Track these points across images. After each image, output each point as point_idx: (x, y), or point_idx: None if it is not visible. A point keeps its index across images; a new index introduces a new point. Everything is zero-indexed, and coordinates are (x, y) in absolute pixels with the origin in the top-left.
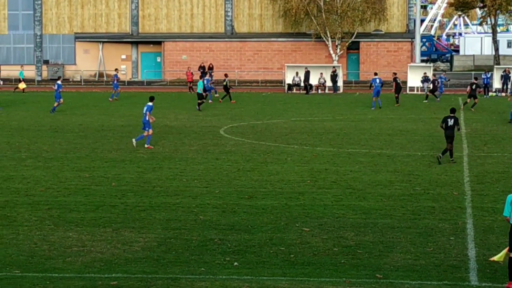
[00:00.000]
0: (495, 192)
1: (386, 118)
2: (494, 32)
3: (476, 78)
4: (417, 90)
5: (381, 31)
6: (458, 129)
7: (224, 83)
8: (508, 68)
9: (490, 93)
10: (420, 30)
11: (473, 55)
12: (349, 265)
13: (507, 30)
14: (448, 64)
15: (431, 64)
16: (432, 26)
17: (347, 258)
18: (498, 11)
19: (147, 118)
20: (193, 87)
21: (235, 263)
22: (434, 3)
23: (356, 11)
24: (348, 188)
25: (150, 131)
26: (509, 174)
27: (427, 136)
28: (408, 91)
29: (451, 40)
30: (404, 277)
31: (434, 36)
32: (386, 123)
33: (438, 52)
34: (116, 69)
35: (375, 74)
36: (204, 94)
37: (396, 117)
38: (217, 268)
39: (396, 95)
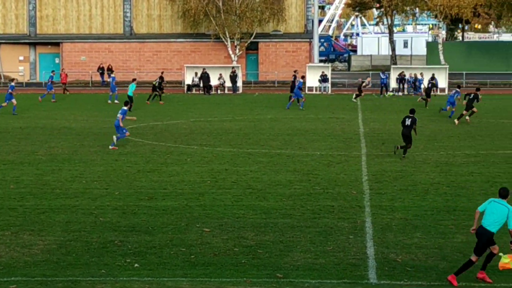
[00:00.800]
0: (393, 191)
1: (285, 118)
2: (391, 32)
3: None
4: (316, 90)
5: (279, 31)
6: (415, 131)
7: (154, 83)
8: (403, 71)
9: (388, 93)
10: (318, 30)
11: (371, 55)
12: (250, 265)
13: (404, 31)
14: (346, 64)
15: (329, 64)
16: (330, 26)
17: (248, 258)
18: (394, 12)
19: (119, 122)
20: (67, 88)
21: (136, 265)
22: (331, 4)
23: (254, 11)
24: (248, 188)
25: (127, 133)
26: (406, 172)
27: (326, 135)
28: (307, 91)
29: (349, 40)
30: (304, 276)
31: (332, 37)
32: (285, 123)
33: (336, 52)
34: (52, 71)
35: (295, 74)
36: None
37: (295, 117)
38: (118, 270)
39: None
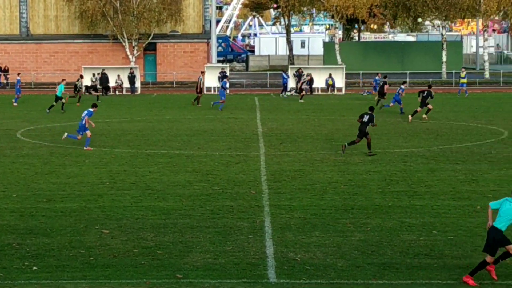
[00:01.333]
0: (292, 190)
1: (184, 118)
2: (288, 33)
3: (385, 76)
4: (214, 91)
5: (177, 32)
6: (373, 125)
7: (77, 83)
8: (301, 67)
9: (287, 93)
10: (216, 31)
11: (268, 55)
12: (149, 266)
13: (301, 31)
14: (244, 64)
15: (228, 65)
16: (227, 27)
17: (147, 259)
18: (291, 12)
19: (83, 122)
20: None
21: (34, 267)
22: (229, 4)
23: (152, 12)
24: (147, 189)
25: (89, 133)
26: (304, 171)
27: (224, 135)
28: (205, 91)
29: (247, 41)
30: (204, 276)
31: (230, 37)
32: (184, 123)
33: (234, 52)
34: (18, 73)
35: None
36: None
37: (194, 118)
38: (16, 273)
39: (200, 95)
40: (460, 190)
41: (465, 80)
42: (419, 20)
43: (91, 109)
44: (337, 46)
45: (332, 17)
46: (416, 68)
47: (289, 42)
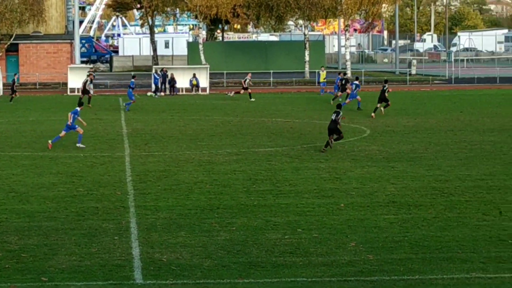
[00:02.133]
0: (157, 191)
1: (47, 120)
2: (152, 33)
3: (344, 73)
4: (77, 92)
5: (40, 32)
6: (339, 124)
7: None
8: (165, 67)
9: (148, 93)
10: (79, 31)
11: (132, 56)
12: (14, 270)
13: (165, 31)
14: (108, 65)
15: (92, 65)
16: (91, 27)
17: (11, 262)
18: (155, 12)
19: (72, 121)
20: None
21: None
22: (92, 5)
23: (14, 12)
24: (11, 191)
25: (63, 133)
26: (170, 172)
27: (89, 137)
28: (69, 93)
29: (111, 41)
30: (70, 279)
31: (93, 37)
32: (48, 125)
33: (98, 53)
34: None
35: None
36: None
37: (58, 119)
38: None
39: (83, 95)
40: (324, 188)
41: (324, 80)
42: (291, 22)
43: (77, 108)
44: (201, 46)
45: (196, 17)
46: (280, 68)
47: (153, 42)
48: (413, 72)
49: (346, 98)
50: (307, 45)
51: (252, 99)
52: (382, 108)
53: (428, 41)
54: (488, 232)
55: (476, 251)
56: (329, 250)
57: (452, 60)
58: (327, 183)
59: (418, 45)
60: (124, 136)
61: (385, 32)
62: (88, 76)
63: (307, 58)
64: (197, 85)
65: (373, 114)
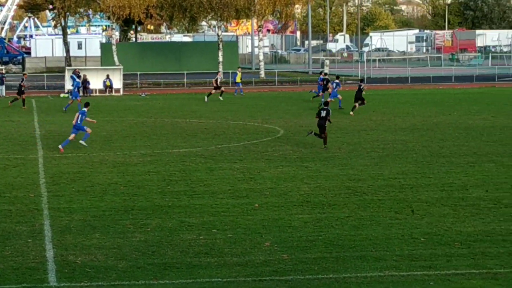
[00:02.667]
0: (71, 192)
1: None
2: (65, 34)
3: (325, 73)
4: None
5: None
6: (329, 121)
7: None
8: (78, 68)
9: (62, 94)
10: None
11: (45, 57)
12: None
13: (77, 32)
14: (21, 66)
15: (3, 67)
16: (2, 28)
17: None
18: (67, 13)
19: (74, 121)
20: None
21: None
22: (3, 6)
23: None
24: None
25: (72, 135)
26: (83, 174)
27: (1, 139)
28: None
29: (23, 42)
30: None
31: (5, 39)
32: None
33: (10, 54)
34: None
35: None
36: None
37: None
38: None
39: (19, 96)
40: (239, 188)
41: (240, 80)
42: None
43: (84, 108)
44: (114, 47)
45: (109, 18)
46: (193, 68)
47: (66, 43)
48: (326, 72)
49: (328, 97)
50: (220, 46)
51: (221, 98)
52: (356, 105)
53: (341, 41)
54: (400, 231)
55: (389, 249)
56: (243, 250)
57: (364, 60)
58: (241, 183)
59: (330, 45)
60: (37, 138)
61: (298, 33)
62: (23, 75)
63: (220, 58)
64: (111, 86)
65: (351, 112)
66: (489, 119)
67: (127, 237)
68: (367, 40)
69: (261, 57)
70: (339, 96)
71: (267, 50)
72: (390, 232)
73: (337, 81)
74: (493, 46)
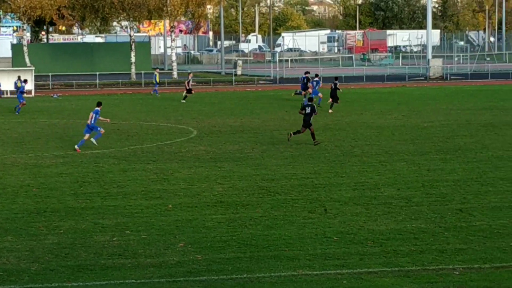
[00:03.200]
0: None
1: None
2: None
3: (307, 72)
4: None
5: None
6: (315, 113)
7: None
8: None
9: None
10: None
11: None
12: None
13: None
14: None
15: None
16: None
17: None
18: None
19: (89, 121)
20: None
21: None
22: None
23: None
24: None
25: (87, 135)
26: None
27: None
28: None
29: None
30: None
31: None
32: None
33: None
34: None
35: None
36: None
37: None
38: None
39: None
40: (152, 189)
41: (158, 81)
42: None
43: (97, 108)
44: (25, 48)
45: (20, 18)
46: (106, 69)
47: None
48: (239, 72)
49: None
50: (132, 47)
51: (183, 101)
52: (331, 100)
53: (253, 42)
54: (314, 230)
55: (303, 249)
56: (157, 251)
57: (277, 60)
58: (155, 184)
59: (243, 46)
60: None
61: (211, 33)
62: None
63: (133, 59)
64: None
65: (330, 110)
66: (400, 118)
67: (40, 240)
68: (279, 41)
69: (174, 58)
70: (319, 94)
71: (179, 50)
72: (304, 232)
73: (316, 79)
74: (404, 46)
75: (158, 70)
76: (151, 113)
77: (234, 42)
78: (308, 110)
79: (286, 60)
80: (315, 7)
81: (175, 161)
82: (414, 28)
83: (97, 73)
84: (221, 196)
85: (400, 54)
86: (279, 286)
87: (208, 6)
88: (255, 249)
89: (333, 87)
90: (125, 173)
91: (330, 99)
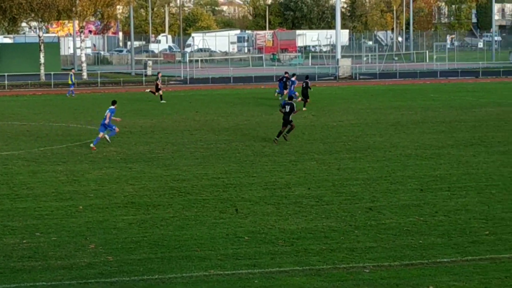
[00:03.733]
0: None
1: None
2: None
3: (286, 72)
4: None
5: None
6: (294, 113)
7: None
8: None
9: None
10: None
11: None
12: None
13: None
14: None
15: None
16: None
17: None
18: None
19: (107, 121)
20: None
21: None
22: None
23: None
24: None
25: (101, 134)
26: None
27: None
28: None
29: None
30: None
31: None
32: None
33: None
34: None
35: None
36: None
37: None
38: None
39: None
40: (62, 191)
41: (71, 82)
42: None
43: (112, 107)
44: None
45: None
46: (14, 70)
47: None
48: (149, 73)
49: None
50: (41, 47)
51: (160, 99)
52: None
53: (163, 42)
54: (225, 230)
55: (214, 249)
56: (68, 253)
57: (187, 60)
58: (65, 185)
59: (153, 46)
60: None
61: (120, 34)
62: None
63: (42, 60)
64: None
65: (304, 108)
66: (310, 117)
67: None
68: (189, 41)
69: (83, 58)
70: (296, 93)
71: (89, 51)
72: (215, 232)
73: (292, 79)
74: (313, 46)
75: (73, 70)
76: (60, 114)
77: (144, 42)
78: (287, 109)
79: (196, 61)
80: (225, 8)
81: (85, 162)
82: (323, 28)
83: (5, 74)
84: (132, 197)
85: (310, 54)
86: (191, 286)
87: (118, 7)
88: (167, 250)
89: (304, 85)
90: (35, 175)
91: (300, 98)
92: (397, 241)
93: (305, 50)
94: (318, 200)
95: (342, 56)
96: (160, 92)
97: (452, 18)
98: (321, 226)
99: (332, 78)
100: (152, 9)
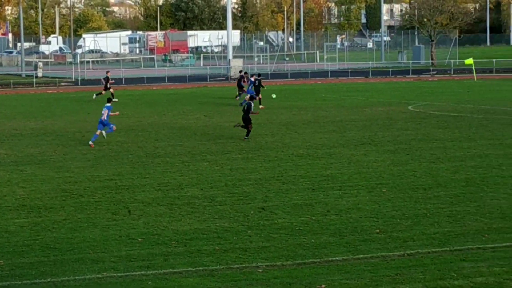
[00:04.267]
0: None
1: None
2: None
3: (259, 75)
4: None
5: None
6: (253, 113)
7: None
8: None
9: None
10: None
11: None
12: None
13: None
14: None
15: None
16: None
17: None
18: None
19: (104, 117)
20: None
21: None
22: None
23: None
24: None
25: (99, 131)
26: None
27: None
28: None
29: None
30: None
31: None
32: None
33: None
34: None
35: None
36: None
37: None
38: None
39: None
40: None
41: None
42: None
43: (108, 104)
44: None
45: None
46: None
47: None
48: (40, 74)
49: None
50: None
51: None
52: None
53: (54, 43)
54: (118, 231)
55: (107, 251)
56: None
57: (78, 62)
58: None
59: (44, 48)
60: None
61: (10, 35)
62: None
63: None
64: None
65: (262, 106)
66: (202, 118)
67: None
68: (80, 42)
69: None
70: (254, 93)
71: None
72: (108, 234)
73: (252, 78)
74: (205, 47)
75: None
76: None
77: (34, 43)
78: (245, 107)
79: (88, 62)
80: (116, 8)
81: None
82: (214, 29)
83: None
84: (23, 199)
85: (202, 54)
86: None
87: (7, 7)
88: (59, 253)
89: (257, 83)
90: None
91: (259, 97)
92: (290, 241)
93: (197, 51)
94: (211, 200)
95: (234, 57)
96: (106, 91)
97: (342, 19)
98: (214, 227)
99: (224, 78)
100: (42, 10)
